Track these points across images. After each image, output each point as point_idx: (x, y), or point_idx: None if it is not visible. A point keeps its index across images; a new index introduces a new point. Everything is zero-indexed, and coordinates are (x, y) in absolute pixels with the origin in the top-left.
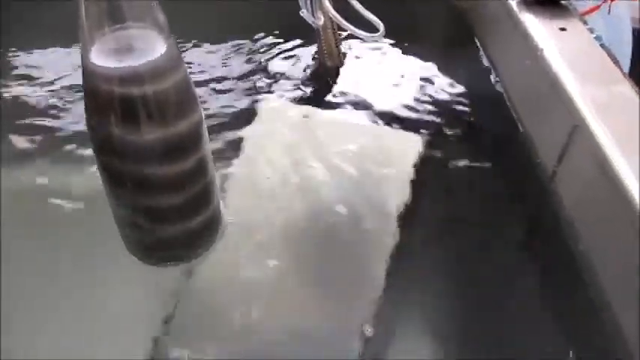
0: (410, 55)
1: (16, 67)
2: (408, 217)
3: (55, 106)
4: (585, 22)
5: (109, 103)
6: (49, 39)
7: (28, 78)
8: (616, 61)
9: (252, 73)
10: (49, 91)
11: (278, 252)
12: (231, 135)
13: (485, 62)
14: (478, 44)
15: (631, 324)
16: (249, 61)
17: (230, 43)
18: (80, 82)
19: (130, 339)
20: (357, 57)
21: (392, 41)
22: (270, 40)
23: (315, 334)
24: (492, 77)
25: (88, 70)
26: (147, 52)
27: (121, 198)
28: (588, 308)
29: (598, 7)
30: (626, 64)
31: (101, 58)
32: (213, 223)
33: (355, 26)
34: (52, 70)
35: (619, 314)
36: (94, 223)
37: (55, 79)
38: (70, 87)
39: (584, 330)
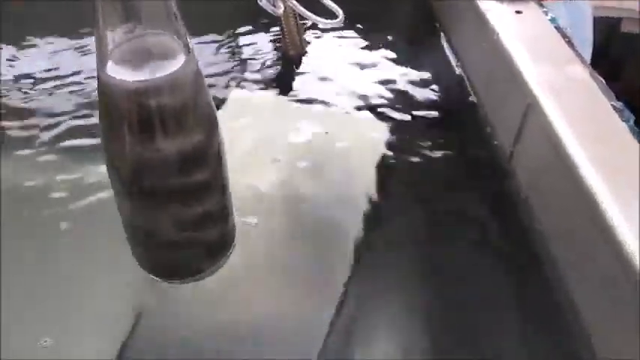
0: (374, 42)
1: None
2: (372, 203)
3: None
4: (541, 5)
5: (126, 116)
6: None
7: (26, 75)
8: (570, 42)
9: (214, 63)
10: (45, 87)
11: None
12: None
13: (447, 48)
14: (441, 31)
15: (585, 302)
16: (211, 51)
17: (193, 35)
18: (78, 78)
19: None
20: (321, 46)
21: (355, 30)
22: (232, 29)
23: (272, 333)
24: (454, 62)
25: (103, 82)
26: (167, 64)
27: (134, 211)
28: (545, 290)
29: None
30: (587, 53)
31: (119, 71)
32: (227, 239)
33: (317, 14)
34: (46, 65)
35: (573, 291)
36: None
37: (51, 75)
38: (70, 84)
39: (542, 313)
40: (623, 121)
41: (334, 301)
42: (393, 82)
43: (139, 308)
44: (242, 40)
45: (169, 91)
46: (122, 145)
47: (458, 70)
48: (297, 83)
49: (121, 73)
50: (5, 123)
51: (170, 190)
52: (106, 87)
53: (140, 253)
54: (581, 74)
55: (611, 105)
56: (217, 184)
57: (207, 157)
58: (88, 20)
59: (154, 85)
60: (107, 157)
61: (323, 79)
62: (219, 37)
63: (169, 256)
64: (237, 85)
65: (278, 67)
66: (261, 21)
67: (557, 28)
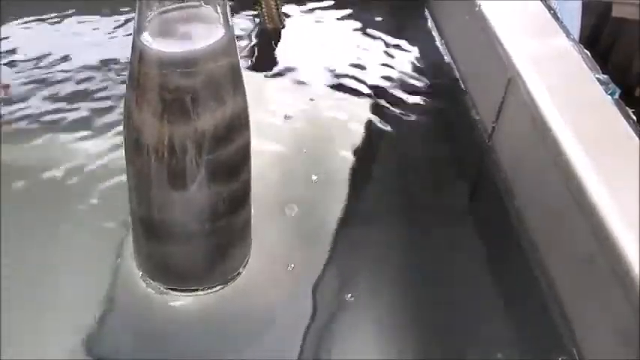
0: (355, 16)
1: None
2: (352, 180)
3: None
4: None
5: (160, 87)
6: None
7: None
8: (555, 14)
9: None
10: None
11: None
12: None
13: (430, 20)
14: (424, 4)
15: (564, 280)
16: None
17: None
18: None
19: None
20: (300, 19)
21: (336, 3)
22: None
23: (250, 331)
24: (437, 35)
25: (139, 51)
26: (205, 36)
27: (157, 198)
28: (523, 268)
29: None
30: (575, 28)
31: (155, 41)
32: (247, 238)
33: None
34: (38, 41)
35: (552, 269)
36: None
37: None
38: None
39: (520, 291)
40: (609, 94)
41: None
42: (374, 55)
43: (109, 298)
44: None
45: (203, 64)
46: (152, 119)
47: (440, 44)
48: (275, 58)
49: (157, 44)
50: None
51: (199, 169)
52: (141, 56)
53: (145, 259)
54: (565, 47)
55: (596, 78)
56: (246, 171)
57: (235, 130)
58: None
59: (190, 57)
60: (132, 135)
61: (302, 53)
62: None
63: (191, 257)
64: None
65: (256, 41)
66: None
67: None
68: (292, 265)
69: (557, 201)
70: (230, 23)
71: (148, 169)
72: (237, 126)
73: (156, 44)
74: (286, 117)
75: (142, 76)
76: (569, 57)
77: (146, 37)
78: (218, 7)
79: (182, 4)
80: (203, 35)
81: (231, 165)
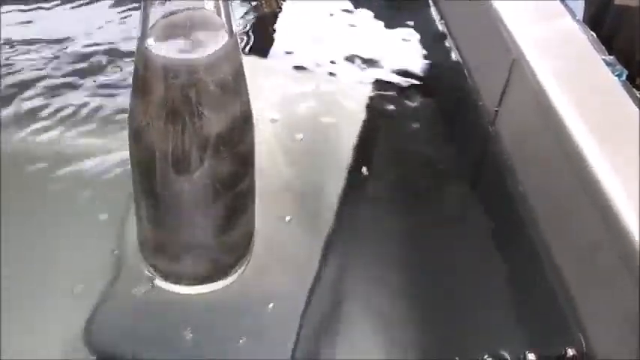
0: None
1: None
2: (353, 167)
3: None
4: None
5: (163, 92)
6: None
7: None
8: None
9: None
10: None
11: None
12: None
13: (432, 6)
14: None
15: (569, 264)
16: None
17: None
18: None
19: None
20: (297, 2)
21: None
22: None
23: (242, 332)
24: (437, 18)
25: (143, 57)
26: (209, 43)
27: (163, 197)
28: (529, 256)
29: None
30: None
31: (160, 47)
32: (249, 237)
33: None
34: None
35: (557, 257)
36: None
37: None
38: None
39: (526, 276)
40: (615, 75)
41: (305, 292)
42: (374, 39)
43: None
44: None
45: (207, 71)
46: (157, 123)
47: (441, 26)
48: (272, 41)
49: (162, 50)
50: None
51: (204, 172)
52: (145, 62)
53: (151, 253)
54: (570, 28)
55: (602, 59)
56: (250, 171)
57: (239, 131)
58: None
59: (195, 63)
60: (137, 138)
61: (299, 37)
62: None
63: (192, 258)
64: None
65: (251, 25)
66: None
67: None
68: (292, 260)
69: (563, 186)
70: (233, 27)
71: (153, 170)
72: (242, 127)
73: (160, 51)
74: (283, 102)
75: (146, 81)
76: (574, 38)
77: (151, 43)
78: (222, 11)
79: (186, 6)
80: (207, 41)
81: (236, 166)
